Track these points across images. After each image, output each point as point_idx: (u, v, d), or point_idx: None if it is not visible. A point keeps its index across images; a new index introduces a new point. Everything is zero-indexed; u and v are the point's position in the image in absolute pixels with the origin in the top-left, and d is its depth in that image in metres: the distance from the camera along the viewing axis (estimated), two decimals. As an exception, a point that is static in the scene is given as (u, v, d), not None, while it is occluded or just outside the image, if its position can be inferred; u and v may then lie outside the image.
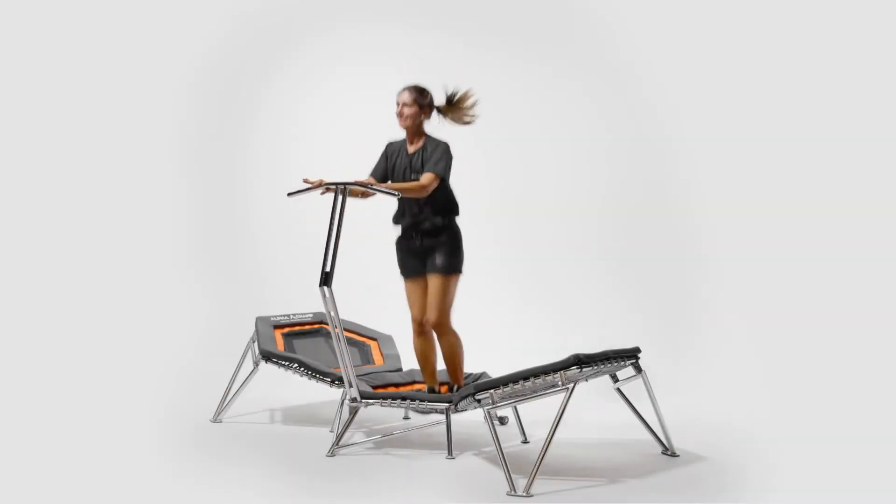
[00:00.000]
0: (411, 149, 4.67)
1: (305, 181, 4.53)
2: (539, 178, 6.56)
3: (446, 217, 4.63)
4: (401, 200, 4.62)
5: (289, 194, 4.66)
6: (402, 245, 4.73)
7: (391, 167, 4.70)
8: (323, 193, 4.59)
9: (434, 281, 4.62)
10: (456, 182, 4.79)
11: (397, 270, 4.78)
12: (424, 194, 4.53)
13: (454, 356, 4.71)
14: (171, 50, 6.99)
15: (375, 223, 5.19)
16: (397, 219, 4.72)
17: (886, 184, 5.41)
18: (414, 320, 4.74)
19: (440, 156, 4.57)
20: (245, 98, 7.23)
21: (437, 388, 4.79)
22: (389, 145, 4.77)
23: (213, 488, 3.95)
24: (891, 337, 5.12)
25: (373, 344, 5.48)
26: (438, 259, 4.61)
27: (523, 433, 4.72)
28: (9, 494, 3.83)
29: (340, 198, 4.49)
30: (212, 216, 7.24)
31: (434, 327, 4.65)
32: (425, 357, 4.77)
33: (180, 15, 6.97)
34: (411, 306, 4.75)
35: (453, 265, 4.63)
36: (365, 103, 5.26)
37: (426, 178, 4.52)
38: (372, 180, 4.71)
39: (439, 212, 4.61)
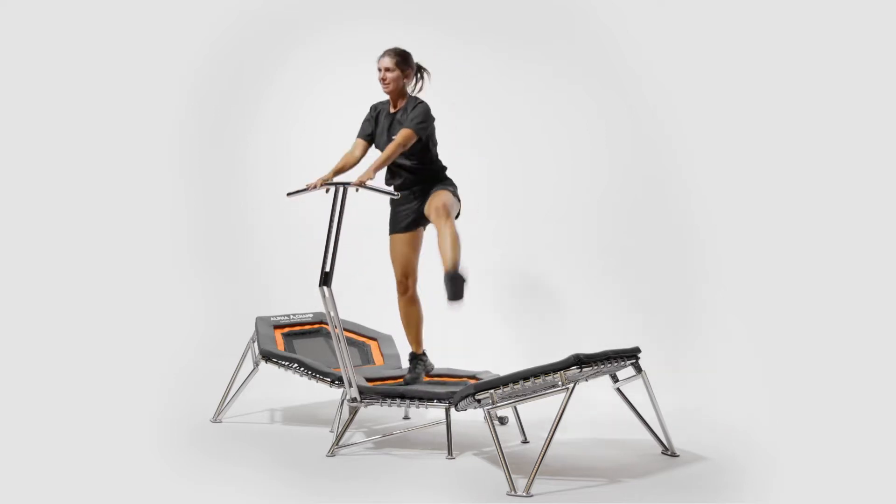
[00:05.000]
0: (394, 110, 4.73)
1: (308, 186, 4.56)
2: (539, 177, 6.55)
3: (435, 166, 4.70)
4: (390, 168, 4.68)
5: (288, 194, 4.67)
6: (396, 204, 4.76)
7: (376, 129, 4.77)
8: (327, 192, 4.60)
9: (440, 194, 4.62)
10: (456, 182, 4.80)
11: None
12: (404, 150, 4.56)
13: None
14: (170, 49, 6.98)
15: (376, 223, 5.18)
16: (388, 181, 4.77)
17: (887, 183, 5.40)
18: (397, 278, 4.76)
19: (418, 114, 4.61)
20: (245, 98, 7.23)
21: (420, 355, 4.82)
22: (373, 107, 4.83)
23: (213, 488, 3.95)
24: (891, 336, 5.12)
25: (373, 344, 5.48)
26: (438, 187, 4.66)
27: (523, 433, 4.72)
28: (9, 494, 3.83)
29: (340, 197, 4.49)
30: (212, 216, 7.23)
31: (436, 211, 4.55)
32: (408, 319, 4.79)
33: (180, 14, 6.97)
34: (394, 262, 4.77)
35: (453, 191, 4.67)
36: (365, 103, 5.23)
37: (401, 134, 4.55)
38: (359, 148, 4.75)
39: (426, 165, 4.67)
